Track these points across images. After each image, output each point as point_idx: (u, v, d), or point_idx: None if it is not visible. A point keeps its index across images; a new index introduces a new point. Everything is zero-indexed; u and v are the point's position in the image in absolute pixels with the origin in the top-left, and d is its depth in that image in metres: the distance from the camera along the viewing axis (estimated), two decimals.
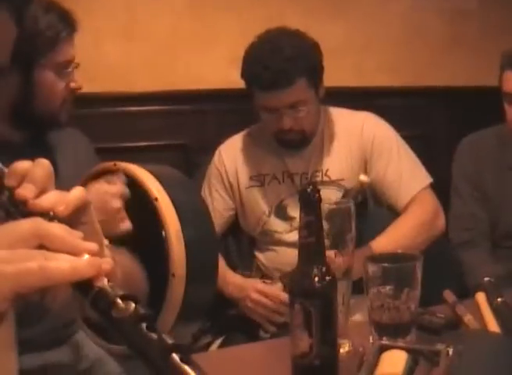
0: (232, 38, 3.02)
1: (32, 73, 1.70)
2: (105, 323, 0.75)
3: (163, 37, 2.98)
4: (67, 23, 1.73)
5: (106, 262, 0.78)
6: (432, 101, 3.35)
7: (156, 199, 1.58)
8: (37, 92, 1.72)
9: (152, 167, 1.69)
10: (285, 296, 2.14)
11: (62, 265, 0.75)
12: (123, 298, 0.75)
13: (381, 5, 3.31)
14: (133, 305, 0.75)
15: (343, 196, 2.08)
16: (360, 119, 2.39)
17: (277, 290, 2.20)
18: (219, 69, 3.01)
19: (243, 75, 2.25)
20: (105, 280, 0.76)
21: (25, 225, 0.79)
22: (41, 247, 0.78)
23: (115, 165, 1.68)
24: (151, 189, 1.60)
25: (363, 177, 2.01)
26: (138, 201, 1.61)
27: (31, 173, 0.89)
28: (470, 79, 3.35)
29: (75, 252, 0.78)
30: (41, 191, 0.88)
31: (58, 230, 0.79)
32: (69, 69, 1.78)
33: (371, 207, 2.26)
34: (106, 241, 1.11)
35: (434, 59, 3.38)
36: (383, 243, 2.16)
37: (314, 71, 2.24)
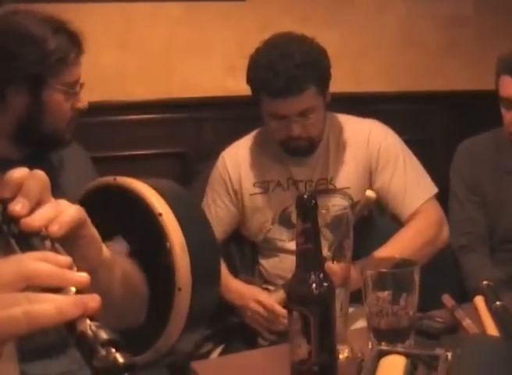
0: (227, 46, 3.03)
1: (41, 93, 1.71)
2: (89, 368, 0.72)
3: (159, 46, 2.99)
4: (76, 44, 1.75)
5: (93, 299, 0.75)
6: (428, 106, 3.36)
7: (160, 214, 1.58)
8: (44, 112, 1.73)
9: (151, 181, 1.68)
10: (280, 310, 2.14)
11: (46, 307, 0.72)
12: (105, 343, 0.72)
13: (377, 12, 3.32)
14: (114, 353, 0.71)
15: (351, 208, 2.06)
16: (366, 128, 2.36)
17: (275, 301, 2.19)
18: (215, 77, 3.02)
19: (250, 81, 2.20)
20: (88, 323, 0.73)
21: (9, 268, 0.76)
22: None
23: (115, 179, 1.68)
24: (154, 204, 1.59)
25: (369, 193, 1.99)
26: (138, 216, 1.60)
27: (26, 186, 0.88)
28: (466, 84, 3.36)
29: (64, 286, 0.76)
30: (37, 204, 0.88)
31: (43, 267, 0.77)
32: (76, 90, 1.79)
33: (376, 222, 2.25)
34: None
35: (430, 65, 3.39)
36: (386, 253, 2.14)
37: (323, 78, 2.21)
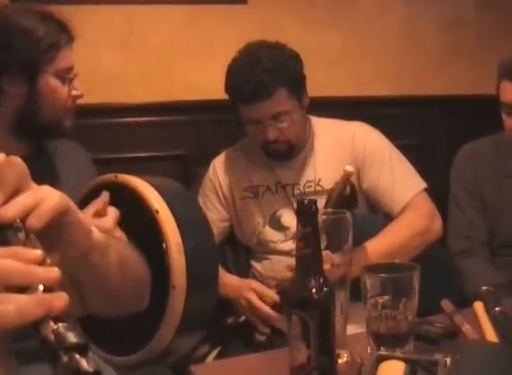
0: (229, 48, 3.01)
1: (36, 81, 1.72)
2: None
3: (161, 48, 2.99)
4: (65, 31, 1.76)
5: (58, 298, 0.71)
6: (429, 109, 3.36)
7: (157, 211, 1.58)
8: (41, 100, 1.75)
9: (152, 179, 1.69)
10: (274, 295, 2.19)
11: (7, 308, 0.69)
12: (69, 348, 0.68)
13: (378, 15, 3.32)
14: (77, 359, 0.68)
15: (332, 190, 2.07)
16: (351, 129, 2.40)
17: (271, 292, 2.21)
18: (217, 79, 3.00)
19: (226, 89, 2.30)
20: (51, 325, 0.69)
21: None
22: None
23: (116, 177, 1.69)
24: (151, 201, 1.60)
25: (348, 167, 2.00)
26: (138, 213, 1.61)
27: (2, 174, 0.84)
28: (468, 87, 3.36)
29: (30, 284, 0.72)
30: (15, 192, 0.84)
31: (8, 264, 0.73)
32: (71, 76, 1.80)
33: (358, 203, 2.26)
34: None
35: (432, 68, 3.39)
36: (377, 244, 2.17)
37: (295, 81, 2.26)
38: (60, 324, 0.70)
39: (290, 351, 1.28)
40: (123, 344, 1.66)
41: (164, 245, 1.57)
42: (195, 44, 3.03)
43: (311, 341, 1.24)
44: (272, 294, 2.20)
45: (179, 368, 1.82)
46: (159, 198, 1.62)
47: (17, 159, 0.87)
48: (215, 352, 2.33)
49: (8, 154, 1.70)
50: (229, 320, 2.36)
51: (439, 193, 2.40)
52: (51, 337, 0.69)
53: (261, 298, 2.23)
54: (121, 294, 1.20)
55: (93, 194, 1.68)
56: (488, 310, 1.65)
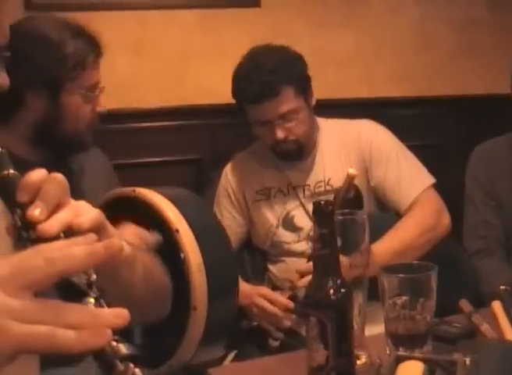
0: (242, 52, 3.01)
1: (59, 97, 1.72)
2: None
3: (173, 52, 3.00)
4: (94, 48, 1.75)
5: (118, 316, 0.72)
6: (443, 110, 3.35)
7: (177, 231, 1.56)
8: (63, 115, 1.74)
9: (169, 192, 1.67)
10: (287, 301, 2.16)
11: (69, 337, 0.69)
12: (123, 358, 0.72)
13: (390, 15, 3.31)
14: (132, 368, 0.72)
15: (335, 195, 2.08)
16: (356, 127, 2.42)
17: (281, 296, 2.21)
18: (230, 82, 3.01)
19: (233, 93, 2.33)
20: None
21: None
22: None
23: (134, 191, 1.68)
24: (171, 220, 1.58)
25: (351, 170, 2.01)
26: (157, 230, 1.59)
27: (44, 189, 0.86)
28: (481, 87, 3.35)
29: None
30: (57, 206, 0.87)
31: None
32: (96, 93, 1.79)
33: (365, 202, 2.26)
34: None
35: (445, 68, 3.38)
36: (387, 243, 2.16)
37: (300, 80, 2.29)
38: (113, 337, 0.72)
39: (308, 352, 1.28)
40: (145, 358, 1.66)
41: (184, 265, 1.55)
42: (208, 48, 3.03)
43: (329, 342, 1.24)
44: (282, 300, 2.19)
45: (196, 371, 1.82)
46: (179, 215, 1.60)
47: (59, 176, 0.89)
48: (231, 355, 2.33)
49: (27, 161, 1.71)
50: (244, 324, 2.36)
51: (452, 193, 2.39)
52: (108, 348, 0.72)
53: (272, 303, 2.22)
54: (144, 304, 1.21)
55: (110, 207, 1.66)
56: (506, 309, 1.64)
